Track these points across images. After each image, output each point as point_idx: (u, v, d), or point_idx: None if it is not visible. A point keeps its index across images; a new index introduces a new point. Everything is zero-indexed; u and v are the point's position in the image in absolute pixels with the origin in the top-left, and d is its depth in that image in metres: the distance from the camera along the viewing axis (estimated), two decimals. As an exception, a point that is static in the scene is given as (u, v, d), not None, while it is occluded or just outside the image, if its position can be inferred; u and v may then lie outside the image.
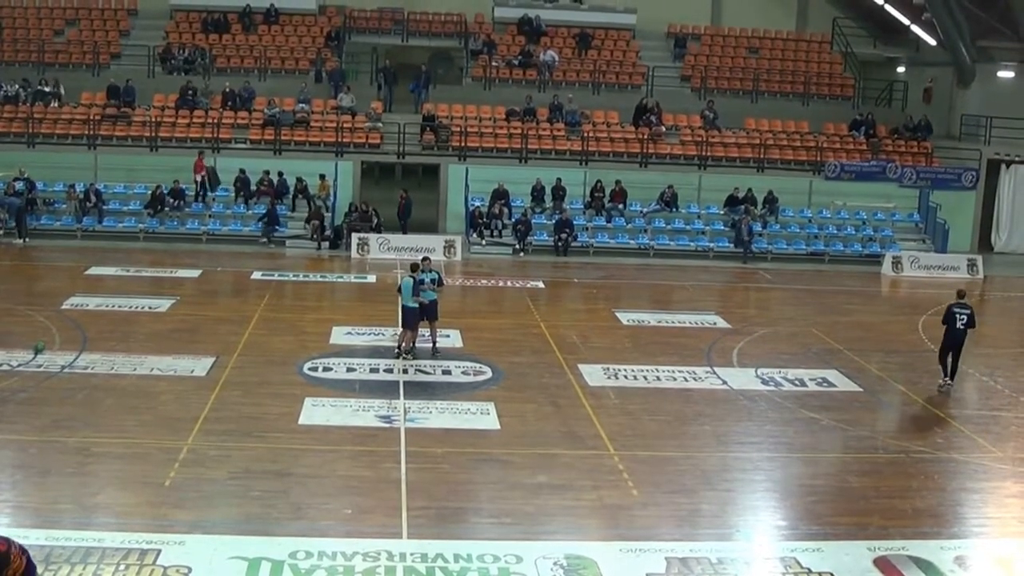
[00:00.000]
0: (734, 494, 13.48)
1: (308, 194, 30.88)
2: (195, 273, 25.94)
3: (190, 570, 10.62)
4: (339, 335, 20.33)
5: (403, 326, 19.03)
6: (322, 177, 31.16)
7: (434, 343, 19.05)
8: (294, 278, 26.45)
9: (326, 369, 18.05)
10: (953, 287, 27.57)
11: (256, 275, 26.07)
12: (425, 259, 19.42)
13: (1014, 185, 34.19)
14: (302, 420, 15.39)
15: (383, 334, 20.43)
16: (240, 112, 33.11)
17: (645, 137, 33.68)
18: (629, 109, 34.84)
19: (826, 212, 33.09)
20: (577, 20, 38.45)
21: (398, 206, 31.45)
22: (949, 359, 18.41)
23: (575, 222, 31.00)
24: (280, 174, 31.03)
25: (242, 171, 30.91)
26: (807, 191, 33.17)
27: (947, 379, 18.40)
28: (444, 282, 18.85)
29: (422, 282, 18.62)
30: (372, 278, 26.78)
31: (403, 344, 18.85)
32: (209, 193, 30.88)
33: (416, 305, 18.64)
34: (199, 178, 30.55)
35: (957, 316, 18.24)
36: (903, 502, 13.37)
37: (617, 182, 32.19)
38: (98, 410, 15.45)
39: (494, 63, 36.18)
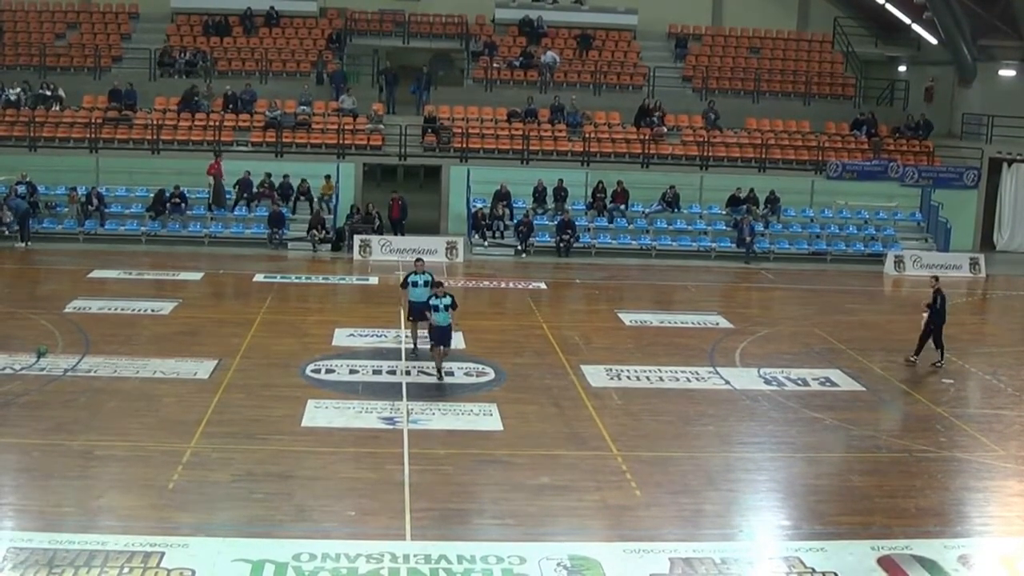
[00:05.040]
0: (737, 494, 13.48)
1: (311, 196, 30.86)
2: (197, 276, 25.95)
3: (194, 573, 10.62)
4: (341, 337, 20.33)
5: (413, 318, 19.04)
6: (327, 178, 31.18)
7: (439, 369, 17.98)
8: (296, 280, 26.45)
9: (329, 371, 18.06)
10: (955, 286, 27.96)
11: (258, 277, 26.08)
12: (439, 284, 18.36)
13: (1016, 184, 34.21)
14: (305, 422, 15.40)
15: (385, 336, 20.44)
16: (241, 115, 33.14)
17: (647, 138, 33.68)
18: (630, 110, 34.86)
19: (828, 212, 33.08)
20: (578, 21, 38.49)
21: (390, 208, 31.26)
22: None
23: (577, 223, 31.00)
24: (285, 176, 31.02)
25: (247, 173, 30.88)
26: (809, 191, 33.16)
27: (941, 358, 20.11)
28: (457, 305, 18.29)
29: (436, 308, 17.76)
30: (374, 280, 26.78)
31: (417, 341, 18.98)
32: (228, 197, 30.77)
33: (425, 300, 18.37)
34: (211, 180, 30.40)
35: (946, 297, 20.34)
36: (906, 501, 13.37)
37: (619, 183, 32.19)
38: (101, 413, 15.46)
39: (495, 64, 36.19)
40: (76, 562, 10.70)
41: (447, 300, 17.82)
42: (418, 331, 19.09)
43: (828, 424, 16.33)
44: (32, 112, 32.40)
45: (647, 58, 37.61)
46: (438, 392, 17.20)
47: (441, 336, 17.86)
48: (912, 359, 19.95)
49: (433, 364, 18.13)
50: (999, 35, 34.46)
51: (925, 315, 20.06)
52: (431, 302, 17.92)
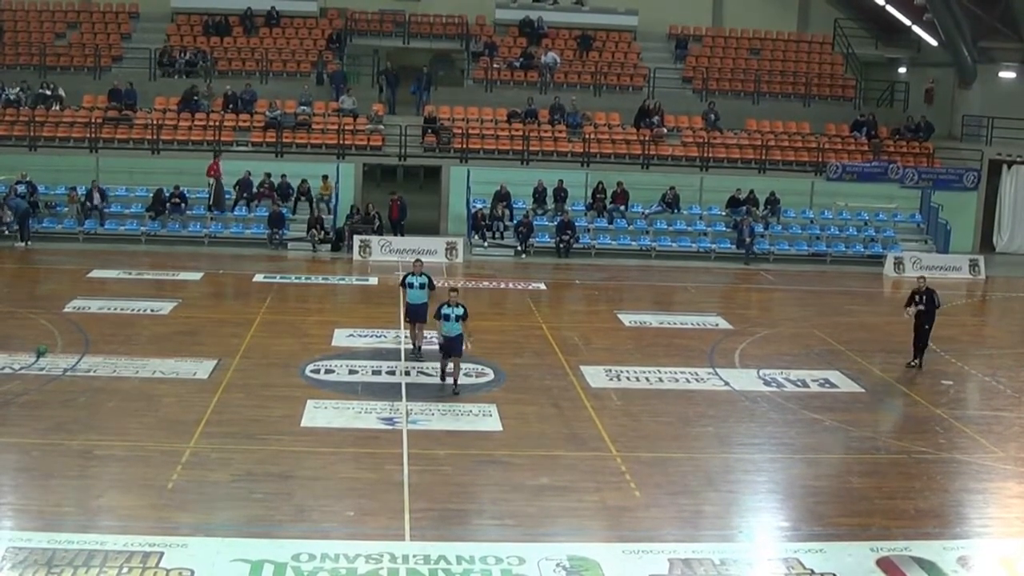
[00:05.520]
0: (737, 495, 13.48)
1: (311, 196, 30.86)
2: (197, 276, 25.95)
3: (193, 573, 10.63)
4: (341, 337, 20.33)
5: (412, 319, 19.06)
6: (325, 178, 31.18)
7: (455, 381, 17.36)
8: (296, 280, 26.45)
9: (328, 371, 18.06)
10: (955, 287, 27.99)
11: (258, 277, 26.08)
12: (453, 290, 18.08)
13: (1015, 185, 34.22)
14: (304, 422, 15.40)
15: (385, 336, 20.44)
16: (241, 115, 33.13)
17: (647, 138, 33.68)
18: (630, 110, 34.86)
19: (828, 213, 33.08)
20: (578, 22, 38.50)
21: (389, 208, 31.27)
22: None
23: (577, 223, 31.00)
24: (283, 176, 31.01)
25: (247, 173, 30.86)
26: (809, 192, 33.17)
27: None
28: (468, 315, 17.91)
29: (447, 317, 17.23)
30: (374, 280, 26.78)
31: (416, 342, 18.96)
32: (228, 198, 30.69)
33: (422, 301, 18.60)
34: (211, 182, 30.32)
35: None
36: (906, 503, 13.37)
37: (619, 183, 32.19)
38: (100, 413, 15.46)
39: (495, 65, 36.20)
40: (75, 562, 10.70)
41: (459, 311, 17.12)
42: (416, 332, 19.09)
43: (827, 425, 16.33)
44: (32, 112, 32.39)
45: (647, 59, 37.61)
46: (437, 392, 17.19)
47: (451, 347, 17.17)
48: (913, 363, 19.91)
49: (432, 364, 18.02)
50: (999, 37, 34.47)
51: (911, 311, 19.89)
52: (443, 311, 17.20)
